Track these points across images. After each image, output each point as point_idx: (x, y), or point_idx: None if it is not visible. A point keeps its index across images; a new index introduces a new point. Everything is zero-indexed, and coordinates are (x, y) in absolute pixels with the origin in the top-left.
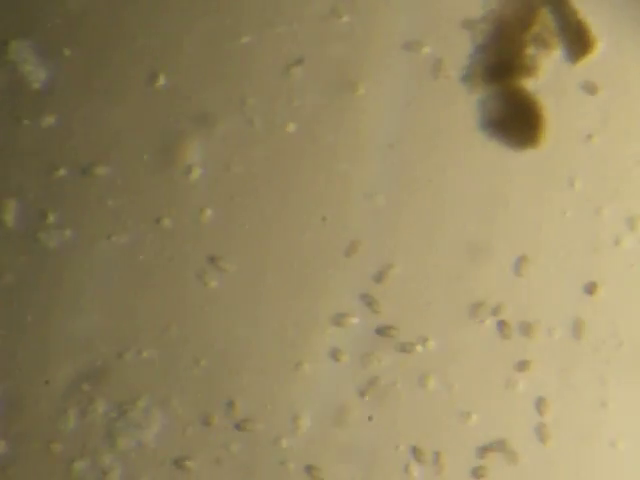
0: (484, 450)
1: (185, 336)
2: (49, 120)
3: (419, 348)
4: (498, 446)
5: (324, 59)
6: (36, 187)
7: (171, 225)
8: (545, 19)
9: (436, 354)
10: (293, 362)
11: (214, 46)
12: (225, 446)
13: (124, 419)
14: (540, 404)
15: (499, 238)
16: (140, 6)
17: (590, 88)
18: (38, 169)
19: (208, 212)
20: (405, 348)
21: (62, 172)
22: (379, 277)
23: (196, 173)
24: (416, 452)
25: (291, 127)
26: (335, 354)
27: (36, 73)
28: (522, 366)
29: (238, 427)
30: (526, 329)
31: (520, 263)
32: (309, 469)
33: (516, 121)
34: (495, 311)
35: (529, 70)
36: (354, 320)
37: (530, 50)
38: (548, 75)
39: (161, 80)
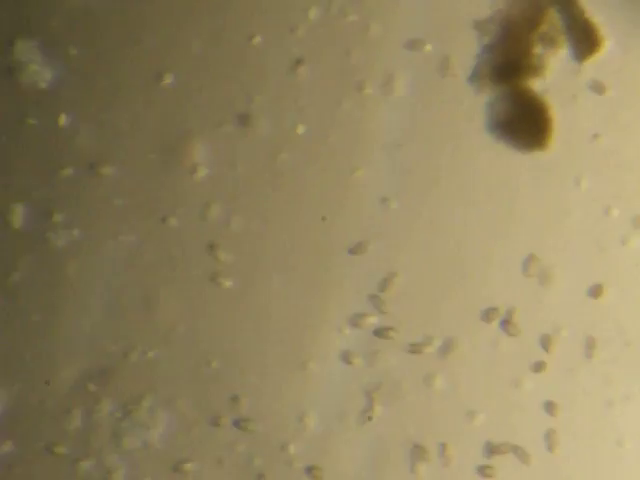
0: (491, 450)
1: (191, 336)
2: (55, 120)
3: (427, 349)
4: (505, 446)
5: (331, 59)
6: (42, 187)
7: (177, 224)
8: (552, 18)
9: (443, 355)
10: (300, 362)
11: (220, 45)
12: (231, 446)
13: (129, 419)
14: (547, 404)
15: (506, 238)
16: (146, 5)
17: (597, 88)
18: (44, 169)
19: (214, 211)
20: (412, 349)
21: (68, 172)
22: (387, 277)
23: (202, 172)
24: (422, 452)
25: (298, 127)
26: (342, 354)
27: (42, 73)
28: (529, 366)
29: (244, 427)
30: (533, 329)
31: (528, 263)
32: (312, 469)
33: (523, 122)
34: (502, 311)
35: (536, 70)
36: (361, 320)
37: (537, 50)
38: (555, 75)
39: (167, 79)
